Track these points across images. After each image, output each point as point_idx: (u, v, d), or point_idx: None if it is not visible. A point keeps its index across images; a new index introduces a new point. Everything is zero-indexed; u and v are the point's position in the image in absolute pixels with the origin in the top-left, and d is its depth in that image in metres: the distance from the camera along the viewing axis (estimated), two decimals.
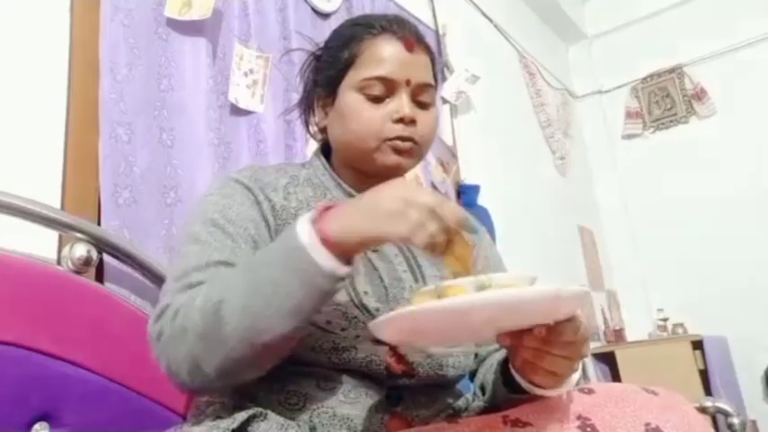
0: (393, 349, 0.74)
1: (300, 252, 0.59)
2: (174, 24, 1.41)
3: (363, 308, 0.75)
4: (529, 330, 0.60)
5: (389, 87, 0.80)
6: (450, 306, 0.53)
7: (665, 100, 3.80)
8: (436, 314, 0.54)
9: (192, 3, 1.42)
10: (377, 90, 0.80)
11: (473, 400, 0.84)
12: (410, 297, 0.76)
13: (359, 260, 0.79)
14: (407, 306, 0.56)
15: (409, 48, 0.82)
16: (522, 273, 0.58)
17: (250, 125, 1.55)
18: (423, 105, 0.83)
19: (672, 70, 3.77)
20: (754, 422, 2.89)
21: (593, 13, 4.13)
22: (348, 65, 0.83)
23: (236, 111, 1.53)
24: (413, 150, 0.81)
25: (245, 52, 1.56)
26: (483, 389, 0.85)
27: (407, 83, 0.80)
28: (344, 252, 0.60)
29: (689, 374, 2.85)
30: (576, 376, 0.66)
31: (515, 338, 0.62)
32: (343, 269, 0.59)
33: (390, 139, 0.79)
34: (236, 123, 1.52)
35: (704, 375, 2.87)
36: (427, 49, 0.86)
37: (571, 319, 0.60)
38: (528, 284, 0.56)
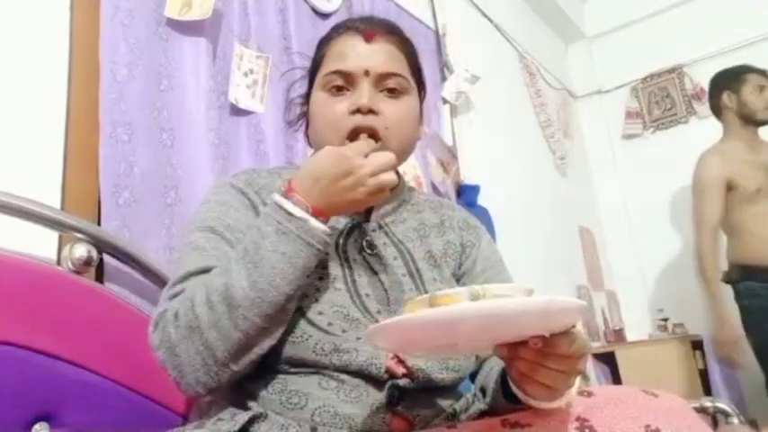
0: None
1: (300, 222, 0.68)
2: (174, 24, 1.41)
3: (365, 310, 0.76)
4: (525, 342, 0.60)
5: (349, 80, 0.81)
6: (439, 316, 0.53)
7: (665, 100, 3.80)
8: (426, 323, 0.54)
9: (192, 3, 1.41)
10: (338, 84, 0.81)
11: (473, 402, 0.84)
12: (403, 306, 0.77)
13: (359, 264, 0.81)
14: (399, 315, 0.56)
15: (368, 39, 0.82)
16: (520, 284, 0.57)
17: (250, 125, 1.55)
18: (393, 94, 0.82)
19: (672, 70, 3.77)
20: (754, 422, 2.89)
21: (593, 13, 4.13)
22: (317, 66, 0.85)
23: (236, 111, 1.53)
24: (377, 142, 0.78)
25: (245, 52, 1.56)
26: (483, 391, 0.84)
27: (366, 73, 0.80)
28: (326, 217, 0.71)
29: (689, 374, 2.85)
30: (573, 390, 0.65)
31: (512, 350, 0.62)
32: (327, 229, 0.71)
33: (350, 132, 0.78)
34: (236, 123, 1.52)
35: (704, 375, 2.87)
36: (396, 40, 0.85)
37: (567, 333, 0.58)
38: (524, 296, 0.56)
